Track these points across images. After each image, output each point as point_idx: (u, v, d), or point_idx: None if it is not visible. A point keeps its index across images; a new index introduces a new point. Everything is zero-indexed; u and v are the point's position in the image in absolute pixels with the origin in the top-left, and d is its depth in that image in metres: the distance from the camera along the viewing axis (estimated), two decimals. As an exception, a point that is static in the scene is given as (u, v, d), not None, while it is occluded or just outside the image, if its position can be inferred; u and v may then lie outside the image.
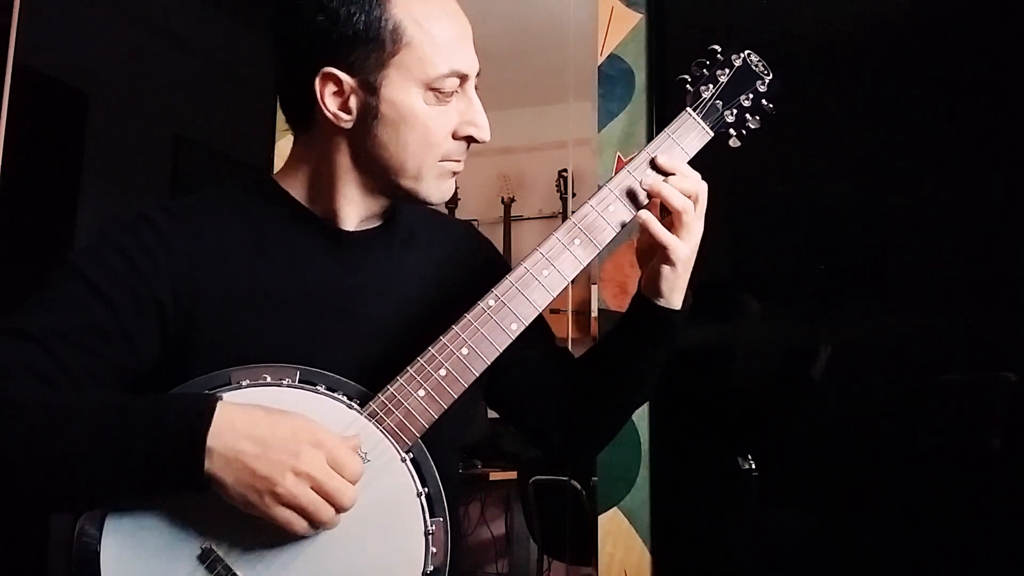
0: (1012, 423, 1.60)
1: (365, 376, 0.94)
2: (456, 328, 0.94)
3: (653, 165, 1.01)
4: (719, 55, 1.08)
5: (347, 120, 0.97)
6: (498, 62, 3.32)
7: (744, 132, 1.07)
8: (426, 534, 0.90)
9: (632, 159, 1.02)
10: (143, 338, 0.94)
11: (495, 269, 1.05)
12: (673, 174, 1.00)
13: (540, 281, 0.97)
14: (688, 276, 1.03)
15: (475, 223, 3.65)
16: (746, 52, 1.08)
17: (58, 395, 0.88)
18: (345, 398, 0.92)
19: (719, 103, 1.06)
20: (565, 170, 4.54)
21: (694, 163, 1.04)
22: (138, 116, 2.73)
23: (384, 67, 0.95)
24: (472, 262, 1.13)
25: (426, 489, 0.92)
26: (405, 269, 1.06)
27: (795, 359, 1.82)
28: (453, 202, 4.62)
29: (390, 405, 0.91)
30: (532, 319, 0.97)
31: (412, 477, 0.91)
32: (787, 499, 1.79)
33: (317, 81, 0.95)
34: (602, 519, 1.85)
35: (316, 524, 0.85)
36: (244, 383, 0.90)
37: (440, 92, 0.96)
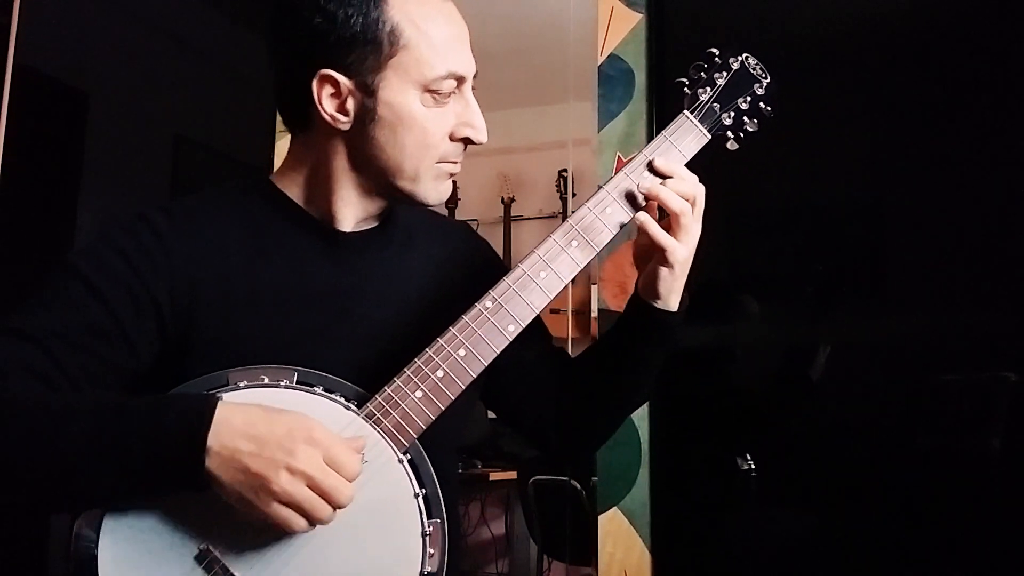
0: (1012, 423, 1.60)
1: (363, 377, 0.94)
2: (453, 330, 0.94)
3: (650, 168, 1.01)
4: (717, 58, 1.08)
5: (344, 122, 0.97)
6: (498, 62, 3.32)
7: (742, 135, 1.07)
8: (423, 535, 0.90)
9: (629, 161, 1.02)
10: (142, 338, 0.94)
11: (493, 270, 1.05)
12: (671, 177, 1.00)
13: (537, 283, 0.97)
14: (685, 278, 1.03)
15: (475, 223, 3.66)
16: (744, 55, 1.08)
17: (57, 395, 0.88)
18: (343, 399, 0.92)
19: (716, 106, 1.05)
20: (565, 170, 4.53)
21: (692, 165, 1.03)
22: (138, 116, 2.73)
23: (381, 69, 0.95)
24: (470, 263, 1.13)
25: (423, 490, 0.92)
26: (403, 270, 1.06)
27: (794, 359, 1.82)
28: (453, 202, 4.62)
29: (387, 406, 0.91)
30: (529, 321, 0.97)
31: (409, 478, 0.91)
32: (786, 499, 1.79)
33: (314, 83, 0.95)
34: (602, 519, 1.85)
35: (313, 521, 0.85)
36: (242, 384, 0.91)
37: (437, 94, 0.96)
